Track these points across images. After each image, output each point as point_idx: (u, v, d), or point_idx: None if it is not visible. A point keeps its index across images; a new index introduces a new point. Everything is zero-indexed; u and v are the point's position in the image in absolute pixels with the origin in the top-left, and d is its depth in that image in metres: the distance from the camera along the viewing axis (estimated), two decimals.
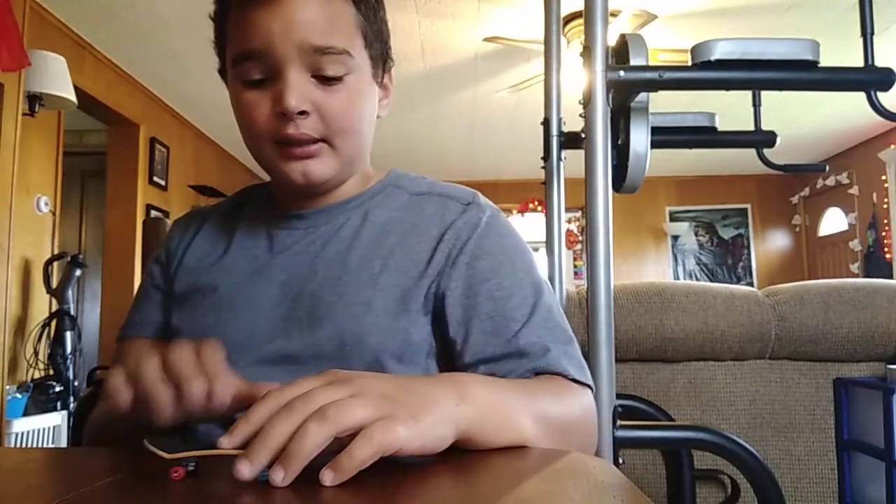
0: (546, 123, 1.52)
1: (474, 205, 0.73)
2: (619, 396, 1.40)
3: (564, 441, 0.57)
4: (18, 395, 2.75)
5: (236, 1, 0.65)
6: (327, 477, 0.40)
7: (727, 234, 6.88)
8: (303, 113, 0.64)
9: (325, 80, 0.65)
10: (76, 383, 3.00)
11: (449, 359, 0.68)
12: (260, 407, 0.44)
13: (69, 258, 3.06)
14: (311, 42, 0.63)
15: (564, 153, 1.51)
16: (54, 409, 2.85)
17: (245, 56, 0.64)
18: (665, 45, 3.40)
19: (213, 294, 0.71)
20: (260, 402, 0.44)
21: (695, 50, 1.06)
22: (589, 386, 0.66)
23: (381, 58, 0.72)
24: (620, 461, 1.16)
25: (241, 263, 0.73)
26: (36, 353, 2.97)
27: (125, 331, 0.78)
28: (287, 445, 0.40)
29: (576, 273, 6.64)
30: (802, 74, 1.05)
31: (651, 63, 1.13)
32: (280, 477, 0.40)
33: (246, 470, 0.40)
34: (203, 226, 0.79)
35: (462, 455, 0.49)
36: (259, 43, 0.63)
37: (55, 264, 3.09)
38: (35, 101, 2.75)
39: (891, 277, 5.13)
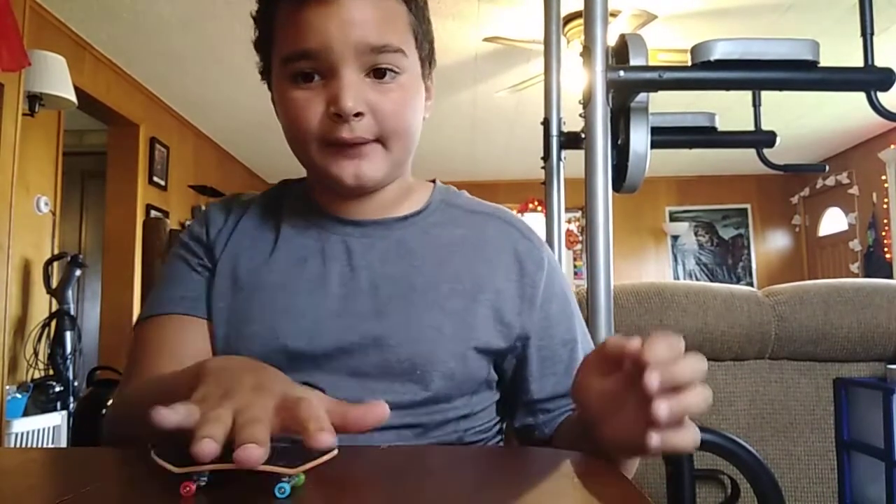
0: (546, 123, 1.52)
1: (528, 238, 0.75)
2: None
3: None
4: (18, 396, 2.75)
5: (287, 1, 0.64)
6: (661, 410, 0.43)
7: (727, 234, 6.88)
8: (358, 115, 0.63)
9: (380, 80, 0.64)
10: (76, 383, 3.00)
11: (514, 389, 0.72)
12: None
13: (69, 258, 3.05)
14: (367, 41, 0.62)
15: (564, 153, 1.50)
16: (54, 410, 2.84)
17: (299, 55, 0.63)
18: (665, 45, 3.39)
19: (261, 294, 0.68)
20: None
21: (695, 50, 1.06)
22: None
23: (429, 58, 0.72)
24: None
25: (290, 267, 0.69)
26: (36, 353, 2.97)
27: (165, 307, 0.70)
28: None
29: (576, 273, 6.63)
30: (802, 74, 1.05)
31: (651, 63, 1.13)
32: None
33: None
34: (243, 216, 0.74)
35: (463, 455, 0.49)
36: (314, 43, 0.62)
37: (55, 264, 3.08)
38: (35, 101, 2.75)
39: (891, 277, 5.13)
